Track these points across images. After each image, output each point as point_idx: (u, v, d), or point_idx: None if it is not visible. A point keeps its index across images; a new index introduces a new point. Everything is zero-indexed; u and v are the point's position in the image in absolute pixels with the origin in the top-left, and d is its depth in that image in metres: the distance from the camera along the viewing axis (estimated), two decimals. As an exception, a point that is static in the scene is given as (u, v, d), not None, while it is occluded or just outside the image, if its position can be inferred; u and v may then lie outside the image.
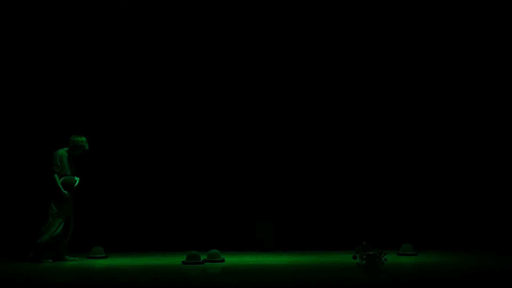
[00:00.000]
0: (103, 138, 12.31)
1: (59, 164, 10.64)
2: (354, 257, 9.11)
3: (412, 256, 10.92)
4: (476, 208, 12.28)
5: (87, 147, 10.78)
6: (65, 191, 10.57)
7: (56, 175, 10.61)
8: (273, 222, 12.26)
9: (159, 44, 12.42)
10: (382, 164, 12.39)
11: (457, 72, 12.45)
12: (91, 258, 10.98)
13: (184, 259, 10.33)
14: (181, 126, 12.39)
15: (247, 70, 12.46)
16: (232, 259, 10.69)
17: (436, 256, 10.76)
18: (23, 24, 12.29)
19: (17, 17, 12.27)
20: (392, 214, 12.28)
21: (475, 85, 12.43)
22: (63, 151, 10.74)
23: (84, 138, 10.77)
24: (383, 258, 9.04)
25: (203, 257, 10.41)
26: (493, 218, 12.21)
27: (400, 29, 12.45)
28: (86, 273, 9.24)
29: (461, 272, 9.01)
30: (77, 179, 10.73)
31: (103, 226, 12.15)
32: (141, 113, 12.42)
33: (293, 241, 12.23)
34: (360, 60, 12.48)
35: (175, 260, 10.64)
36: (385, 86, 12.48)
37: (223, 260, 10.48)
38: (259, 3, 12.38)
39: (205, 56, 12.45)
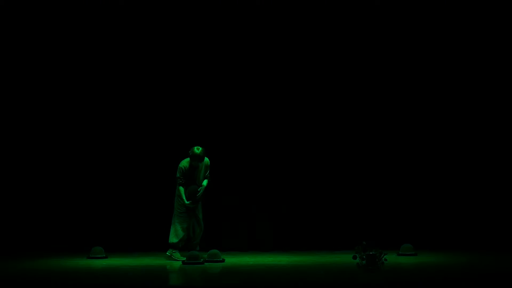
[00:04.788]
0: (100, 137, 12.33)
1: (180, 176, 10.71)
2: (354, 257, 9.10)
3: (412, 256, 10.92)
4: (476, 208, 12.27)
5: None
6: (188, 201, 10.69)
7: (180, 186, 10.71)
8: (273, 222, 12.26)
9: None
10: (382, 164, 12.38)
11: (457, 73, 12.43)
12: (91, 258, 10.96)
13: (184, 259, 10.32)
14: (179, 126, 12.39)
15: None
16: (232, 259, 10.69)
17: (436, 256, 10.76)
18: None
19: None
20: (392, 214, 12.28)
21: (474, 85, 12.41)
22: (186, 162, 10.78)
23: (198, 150, 10.63)
24: (383, 258, 9.04)
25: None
26: (493, 218, 12.21)
27: (399, 30, 12.47)
28: (86, 273, 9.24)
29: (461, 272, 9.01)
30: (201, 187, 10.78)
31: (103, 226, 12.15)
32: (141, 113, 12.45)
33: (293, 241, 12.23)
34: (360, 58, 12.45)
35: (175, 260, 10.66)
36: (385, 86, 12.47)
37: (223, 260, 10.48)
38: (259, 3, 12.38)
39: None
